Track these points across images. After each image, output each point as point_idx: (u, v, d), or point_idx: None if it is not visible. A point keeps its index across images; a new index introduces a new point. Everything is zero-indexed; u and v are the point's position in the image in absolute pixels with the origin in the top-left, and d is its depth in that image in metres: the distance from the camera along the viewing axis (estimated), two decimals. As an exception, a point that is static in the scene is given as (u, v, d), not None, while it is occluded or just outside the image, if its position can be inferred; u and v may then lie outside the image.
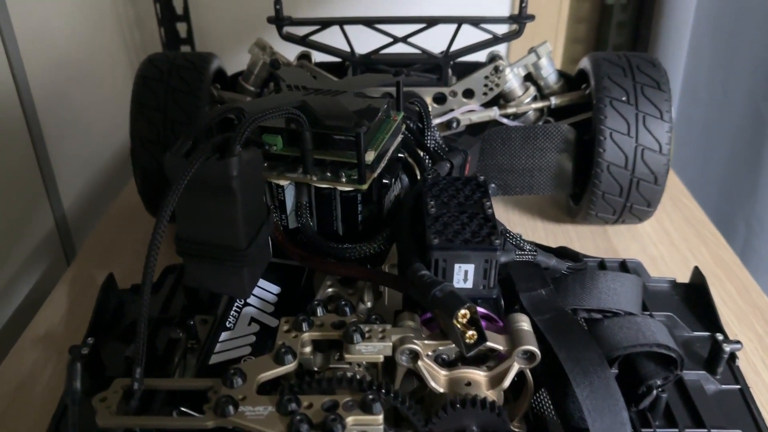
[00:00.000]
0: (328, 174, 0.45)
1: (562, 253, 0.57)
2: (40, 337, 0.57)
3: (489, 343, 0.35)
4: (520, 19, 0.65)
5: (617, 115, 0.61)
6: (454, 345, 0.36)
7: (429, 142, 0.57)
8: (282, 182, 0.46)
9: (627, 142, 0.61)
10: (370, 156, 0.45)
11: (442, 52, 0.69)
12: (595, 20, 1.03)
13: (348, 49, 0.67)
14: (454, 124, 0.68)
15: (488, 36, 0.67)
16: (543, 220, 0.72)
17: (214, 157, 0.39)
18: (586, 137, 0.67)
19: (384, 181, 0.47)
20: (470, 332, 0.34)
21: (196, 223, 0.41)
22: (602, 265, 0.57)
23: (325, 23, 0.66)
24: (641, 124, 0.61)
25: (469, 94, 0.68)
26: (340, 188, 0.45)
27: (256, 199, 0.42)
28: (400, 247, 0.42)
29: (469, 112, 0.68)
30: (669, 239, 0.69)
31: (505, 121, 0.69)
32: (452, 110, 0.68)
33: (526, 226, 0.72)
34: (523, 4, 0.64)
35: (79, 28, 0.80)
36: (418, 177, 0.55)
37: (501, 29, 0.66)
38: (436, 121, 0.67)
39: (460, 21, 0.65)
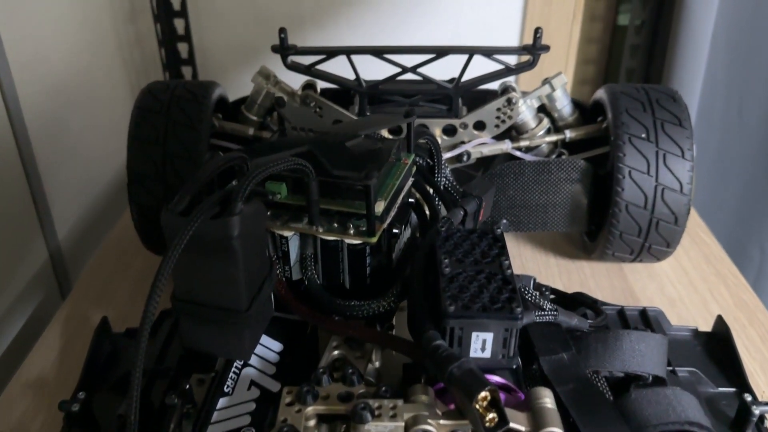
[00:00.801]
0: (335, 225, 0.42)
1: (579, 300, 0.54)
2: (31, 382, 0.54)
3: (511, 424, 0.32)
4: (534, 50, 0.62)
5: (636, 153, 0.58)
6: (471, 426, 0.33)
7: (440, 181, 0.54)
8: (286, 233, 0.43)
9: (646, 181, 0.58)
10: (379, 207, 0.42)
11: (452, 80, 0.66)
12: (606, 41, 1.00)
13: (354, 78, 0.65)
14: (465, 158, 0.65)
15: (500, 66, 0.64)
16: (556, 255, 0.70)
17: (213, 215, 0.36)
18: (602, 172, 0.64)
19: (394, 230, 0.45)
20: (490, 415, 0.32)
21: (194, 283, 0.38)
22: (622, 314, 0.54)
23: (331, 53, 0.63)
24: (661, 162, 0.58)
25: (480, 126, 0.65)
26: (347, 241, 0.42)
27: (259, 254, 0.40)
28: (411, 308, 0.39)
29: (481, 145, 0.65)
30: (687, 278, 0.66)
31: (518, 154, 0.66)
32: (463, 142, 0.66)
33: (539, 263, 0.69)
34: (538, 35, 0.62)
35: (77, 51, 0.77)
36: (428, 216, 0.52)
37: (513, 59, 0.64)
38: (446, 156, 0.64)
39: (471, 51, 0.62)
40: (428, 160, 0.57)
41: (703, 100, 0.93)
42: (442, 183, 0.56)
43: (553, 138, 0.66)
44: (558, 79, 0.65)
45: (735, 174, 1.00)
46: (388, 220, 0.43)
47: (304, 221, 0.43)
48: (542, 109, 0.67)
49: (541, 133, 0.66)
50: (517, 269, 0.68)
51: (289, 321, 0.44)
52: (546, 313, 0.42)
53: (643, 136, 0.59)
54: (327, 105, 0.64)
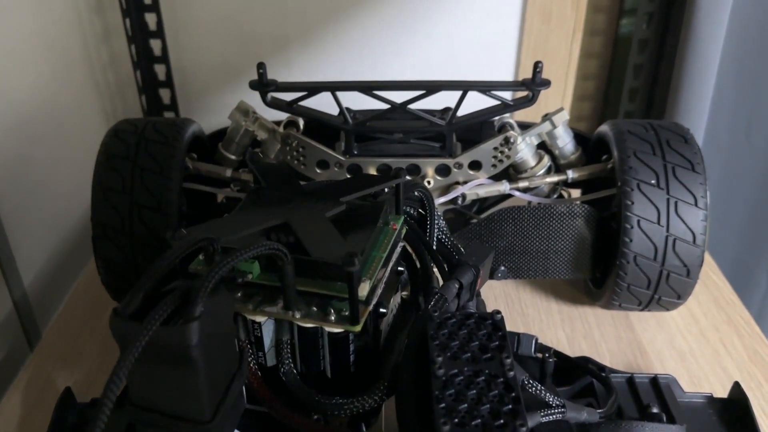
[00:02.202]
0: (314, 309, 0.38)
1: (585, 367, 0.50)
2: (-13, 459, 0.50)
3: None
4: (533, 85, 0.57)
5: (646, 201, 0.54)
6: None
7: (432, 238, 0.50)
8: (258, 319, 0.38)
9: (657, 232, 0.54)
10: (363, 289, 0.37)
11: (445, 110, 0.62)
12: (607, 56, 0.95)
13: (341, 117, 0.60)
14: (460, 200, 0.61)
15: (497, 102, 0.59)
16: (558, 301, 0.65)
17: (169, 318, 0.31)
18: (607, 214, 0.59)
19: (381, 310, 0.40)
20: None
21: (150, 389, 0.33)
22: (631, 383, 0.50)
23: (314, 89, 0.58)
24: (673, 211, 0.54)
25: (476, 165, 0.60)
26: (327, 329, 0.37)
27: (226, 352, 0.35)
28: (400, 417, 0.35)
29: (477, 187, 0.60)
30: (698, 328, 0.62)
31: (516, 194, 0.61)
32: (457, 183, 0.61)
33: (540, 309, 0.64)
34: (537, 69, 0.57)
35: (43, 80, 0.72)
36: (419, 275, 0.48)
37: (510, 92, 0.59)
38: (440, 200, 0.59)
39: (465, 88, 0.58)
40: (420, 210, 0.52)
41: (710, 121, 0.88)
42: (436, 237, 0.51)
43: (555, 179, 0.61)
44: (559, 115, 0.60)
45: (742, 197, 0.95)
46: (374, 301, 0.39)
47: (278, 305, 0.38)
48: (542, 146, 0.62)
49: (542, 172, 0.61)
50: (515, 316, 0.64)
51: (264, 414, 0.40)
52: (553, 411, 0.38)
53: (653, 182, 0.54)
54: (310, 145, 0.59)
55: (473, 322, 0.37)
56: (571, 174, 0.61)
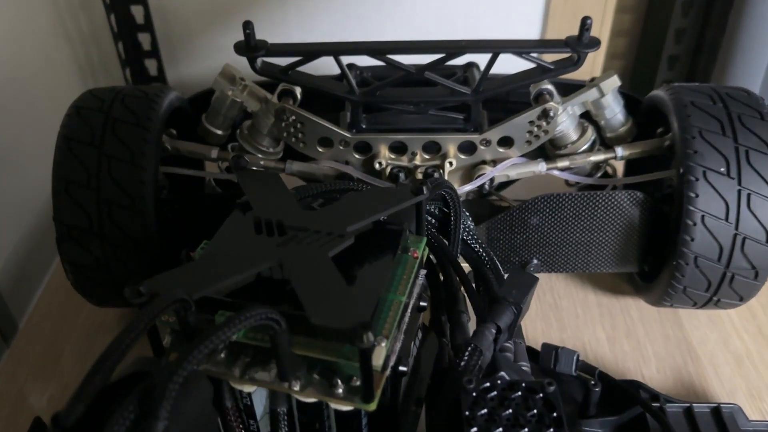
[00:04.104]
0: (316, 378, 0.30)
1: (634, 395, 0.43)
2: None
3: None
4: (579, 46, 0.47)
5: (712, 193, 0.45)
6: None
7: (455, 242, 0.41)
8: (247, 389, 0.31)
9: (723, 230, 0.45)
10: (379, 357, 0.29)
11: (466, 80, 0.52)
12: (641, 11, 0.82)
13: (346, 84, 0.50)
14: (487, 186, 0.52)
15: (532, 65, 0.49)
16: (596, 292, 0.57)
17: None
18: (659, 196, 0.51)
19: (401, 368, 0.32)
20: None
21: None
22: (690, 414, 0.43)
23: (312, 53, 0.48)
24: (744, 205, 0.45)
25: (507, 142, 0.51)
26: (334, 406, 0.30)
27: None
28: None
29: (508, 168, 0.51)
30: (756, 325, 0.54)
31: (556, 173, 0.52)
32: (483, 162, 0.52)
33: (576, 302, 0.57)
34: (585, 27, 0.46)
35: (11, 56, 0.61)
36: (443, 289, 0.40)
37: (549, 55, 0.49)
38: (464, 189, 0.50)
39: (496, 49, 0.47)
40: (443, 208, 0.44)
41: (763, 94, 0.76)
42: (461, 239, 0.43)
43: (600, 157, 0.51)
44: (610, 81, 0.50)
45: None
46: (392, 363, 0.31)
47: (272, 371, 0.30)
48: (585, 115, 0.53)
49: (585, 147, 0.52)
50: (547, 309, 0.56)
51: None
52: None
53: (722, 170, 0.45)
54: (309, 120, 0.50)
55: (519, 396, 0.29)
56: (620, 151, 0.51)
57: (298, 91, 0.51)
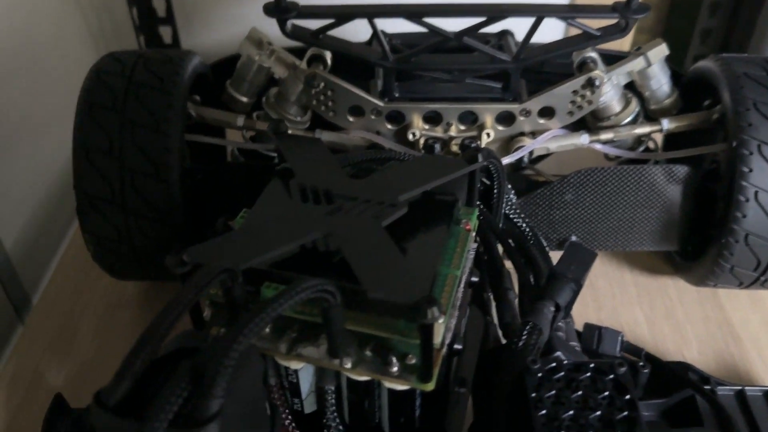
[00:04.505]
0: (368, 354, 0.28)
1: (683, 377, 0.41)
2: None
3: None
4: (628, 12, 0.44)
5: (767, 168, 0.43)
6: None
7: (498, 214, 0.39)
8: (294, 365, 0.28)
9: (779, 206, 0.43)
10: (438, 334, 0.27)
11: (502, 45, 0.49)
12: None
13: (379, 50, 0.47)
14: (526, 158, 0.49)
15: (576, 31, 0.47)
16: (632, 270, 0.55)
17: (177, 415, 0.21)
18: (703, 171, 0.48)
19: (456, 347, 0.30)
20: None
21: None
22: (742, 397, 0.41)
23: (346, 15, 0.45)
24: (802, 180, 0.43)
25: (547, 113, 0.48)
26: (389, 385, 0.28)
27: (251, 424, 0.26)
28: None
29: (549, 141, 0.49)
30: (801, 306, 0.52)
31: (598, 147, 0.50)
32: (522, 134, 0.49)
33: (612, 281, 0.55)
34: (637, -11, 0.44)
35: (20, 17, 0.59)
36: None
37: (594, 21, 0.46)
38: (504, 161, 0.48)
39: (540, 13, 0.45)
40: (484, 180, 0.41)
41: None
42: (504, 214, 0.41)
43: (646, 129, 0.49)
44: (657, 50, 0.48)
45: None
46: (448, 339, 0.29)
47: (321, 347, 0.28)
48: (629, 86, 0.50)
49: (628, 119, 0.50)
50: (584, 289, 0.52)
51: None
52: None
53: (780, 143, 0.43)
54: (340, 87, 0.47)
55: (588, 378, 0.27)
56: (666, 124, 0.49)
57: (328, 56, 0.48)
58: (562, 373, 0.27)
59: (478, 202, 0.40)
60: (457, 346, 0.30)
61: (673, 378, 0.41)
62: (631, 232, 0.49)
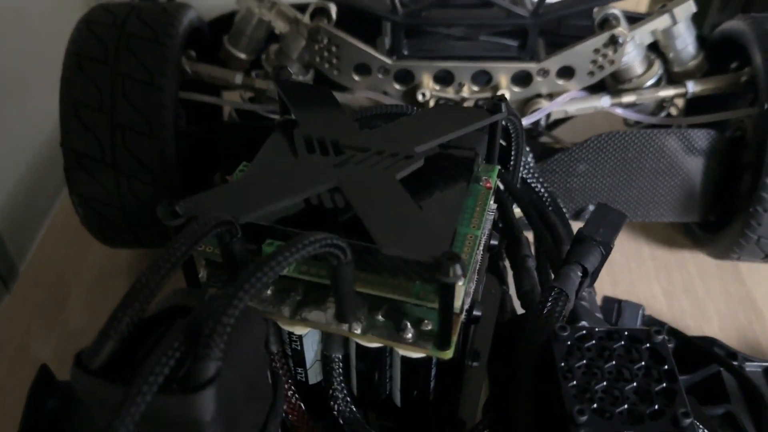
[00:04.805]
0: (380, 319, 0.25)
1: (709, 352, 0.39)
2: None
3: None
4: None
5: (802, 131, 0.40)
6: None
7: (515, 176, 0.37)
8: (298, 331, 0.26)
9: (812, 172, 0.40)
10: (458, 297, 0.25)
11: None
12: None
13: (388, 3, 0.44)
14: (543, 121, 0.47)
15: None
16: (650, 243, 0.53)
17: (169, 378, 0.19)
18: (729, 137, 0.46)
19: (475, 313, 0.28)
20: None
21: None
22: (770, 373, 0.39)
23: (353, -36, 0.42)
24: (837, 144, 0.40)
25: (567, 73, 0.46)
26: (402, 353, 0.25)
27: (253, 395, 0.23)
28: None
29: (568, 102, 0.46)
30: (826, 281, 0.50)
31: (618, 111, 0.47)
32: (539, 96, 0.46)
33: (628, 255, 0.52)
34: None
35: None
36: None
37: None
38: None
39: (562, -36, 0.42)
40: (501, 142, 0.38)
41: None
42: (521, 177, 0.38)
43: (670, 92, 0.46)
44: (684, 6, 0.45)
45: None
46: (467, 305, 0.26)
47: (328, 311, 0.25)
48: (652, 47, 0.47)
49: (651, 82, 0.47)
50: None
51: None
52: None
53: (814, 105, 0.40)
54: (345, 42, 0.45)
55: (621, 346, 0.25)
56: (691, 87, 0.46)
57: (333, 9, 0.45)
58: (593, 341, 0.25)
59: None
60: (476, 313, 0.27)
61: (698, 353, 0.39)
62: (652, 202, 0.47)
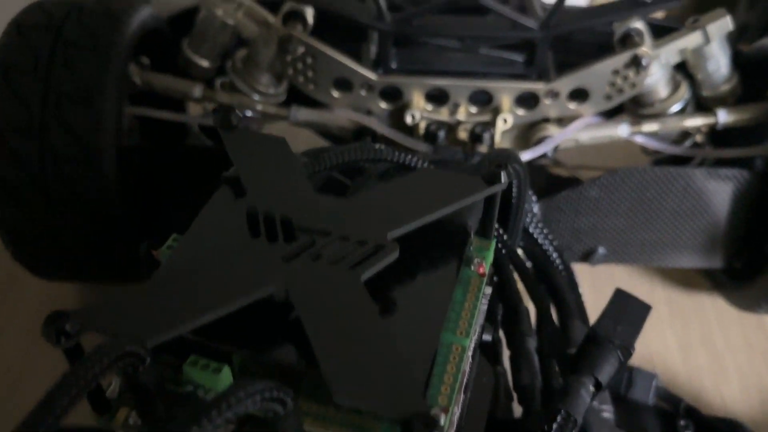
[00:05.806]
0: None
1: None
2: None
3: None
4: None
5: None
6: None
7: (514, 235, 0.31)
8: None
9: None
10: None
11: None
12: None
13: (374, 8, 0.38)
14: (550, 153, 0.40)
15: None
16: (665, 285, 0.47)
17: None
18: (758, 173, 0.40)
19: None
20: None
21: None
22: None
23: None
24: None
25: (580, 95, 0.39)
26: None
27: None
28: None
29: (583, 130, 0.40)
30: None
31: (639, 141, 0.41)
32: (545, 120, 0.40)
33: (640, 296, 0.46)
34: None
35: None
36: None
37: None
38: (524, 156, 0.39)
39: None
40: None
41: None
42: (523, 228, 0.32)
43: (698, 121, 0.40)
44: (719, 23, 0.38)
45: None
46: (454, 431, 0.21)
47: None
48: (679, 66, 0.41)
49: (676, 107, 0.40)
50: (605, 304, 0.46)
51: None
52: None
53: None
54: (323, 54, 0.38)
55: None
56: (723, 116, 0.40)
57: (309, 13, 0.39)
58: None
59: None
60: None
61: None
62: (671, 246, 0.41)
